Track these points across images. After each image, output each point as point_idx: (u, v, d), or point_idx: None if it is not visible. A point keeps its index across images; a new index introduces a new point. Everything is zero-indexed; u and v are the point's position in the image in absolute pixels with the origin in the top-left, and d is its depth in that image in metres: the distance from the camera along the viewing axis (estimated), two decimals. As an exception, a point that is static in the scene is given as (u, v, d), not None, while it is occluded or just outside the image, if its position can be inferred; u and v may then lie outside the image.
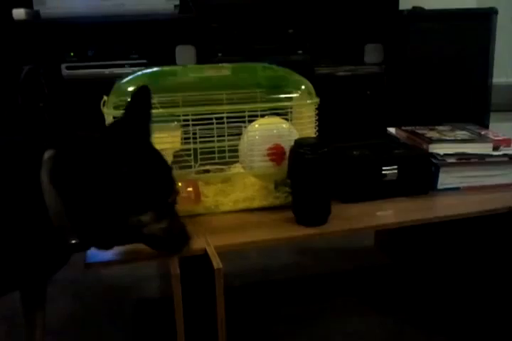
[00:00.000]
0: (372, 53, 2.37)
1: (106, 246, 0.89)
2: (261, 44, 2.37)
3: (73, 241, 0.82)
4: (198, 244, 0.99)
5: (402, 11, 2.29)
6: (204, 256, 0.98)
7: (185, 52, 2.35)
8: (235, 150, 1.14)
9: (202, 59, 2.33)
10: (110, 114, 1.05)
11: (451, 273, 1.45)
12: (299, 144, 1.05)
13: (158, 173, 0.87)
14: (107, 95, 1.09)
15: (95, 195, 0.80)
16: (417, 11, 2.30)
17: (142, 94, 0.85)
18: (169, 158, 1.11)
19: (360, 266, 1.65)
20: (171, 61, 2.31)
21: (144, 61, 2.35)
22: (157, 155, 0.88)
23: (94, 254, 0.97)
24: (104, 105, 1.08)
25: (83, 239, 0.83)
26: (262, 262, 1.66)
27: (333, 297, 1.48)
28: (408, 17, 2.23)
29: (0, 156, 0.82)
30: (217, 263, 0.93)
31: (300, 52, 2.38)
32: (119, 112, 0.99)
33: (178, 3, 2.31)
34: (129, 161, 0.81)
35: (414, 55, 2.23)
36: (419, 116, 1.79)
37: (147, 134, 0.87)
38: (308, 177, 1.04)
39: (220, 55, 2.35)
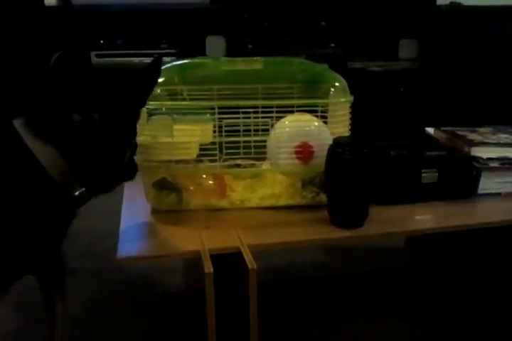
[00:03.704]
0: (407, 49, 2.32)
1: (108, 187, 0.92)
2: (292, 36, 2.33)
3: (80, 191, 0.86)
4: (230, 241, 0.97)
5: (440, 6, 2.23)
6: (236, 254, 0.95)
7: (215, 43, 2.32)
8: (264, 146, 1.10)
9: (232, 50, 2.30)
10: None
11: (482, 279, 1.41)
12: (338, 143, 1.01)
13: (130, 105, 0.90)
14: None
15: (99, 143, 0.84)
16: (455, 7, 2.23)
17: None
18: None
19: (388, 267, 1.62)
20: (201, 51, 2.28)
21: (174, 51, 2.33)
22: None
23: (126, 248, 0.96)
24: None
25: (88, 186, 0.87)
26: (287, 259, 1.63)
27: (359, 299, 1.45)
28: (446, 12, 2.17)
29: None
30: (251, 263, 0.90)
31: (332, 45, 2.33)
32: (150, 103, 0.99)
33: (210, -8, 2.30)
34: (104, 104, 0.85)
35: (451, 52, 2.17)
36: (456, 115, 1.74)
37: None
38: (346, 178, 1.01)
39: (250, 46, 2.32)
